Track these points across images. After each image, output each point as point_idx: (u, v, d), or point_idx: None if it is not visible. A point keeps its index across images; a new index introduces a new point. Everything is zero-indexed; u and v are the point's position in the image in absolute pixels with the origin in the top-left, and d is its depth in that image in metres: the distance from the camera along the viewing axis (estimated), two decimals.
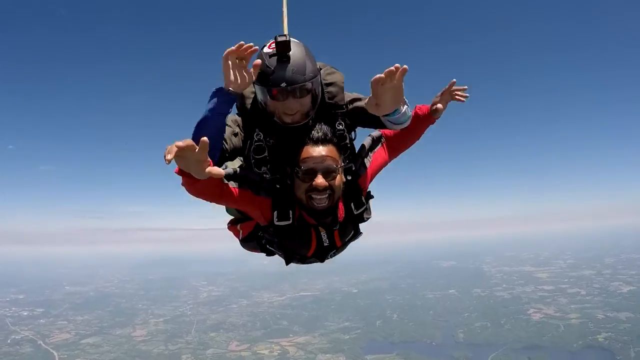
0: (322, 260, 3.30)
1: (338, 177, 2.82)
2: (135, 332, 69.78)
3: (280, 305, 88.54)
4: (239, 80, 2.61)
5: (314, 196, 2.75)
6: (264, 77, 2.68)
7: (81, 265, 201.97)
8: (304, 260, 3.29)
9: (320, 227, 3.02)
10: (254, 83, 2.76)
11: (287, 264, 3.39)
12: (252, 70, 2.62)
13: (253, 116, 3.02)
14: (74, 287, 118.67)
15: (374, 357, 53.09)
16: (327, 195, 2.76)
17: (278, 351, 57.83)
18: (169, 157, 2.10)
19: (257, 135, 2.96)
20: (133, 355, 57.99)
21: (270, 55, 2.67)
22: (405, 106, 2.74)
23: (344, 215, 3.07)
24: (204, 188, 2.62)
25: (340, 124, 3.03)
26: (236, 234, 3.57)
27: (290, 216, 2.93)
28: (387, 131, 3.24)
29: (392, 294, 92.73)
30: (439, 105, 3.27)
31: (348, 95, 3.12)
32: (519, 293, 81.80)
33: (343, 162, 2.97)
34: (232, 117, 3.08)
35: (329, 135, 2.83)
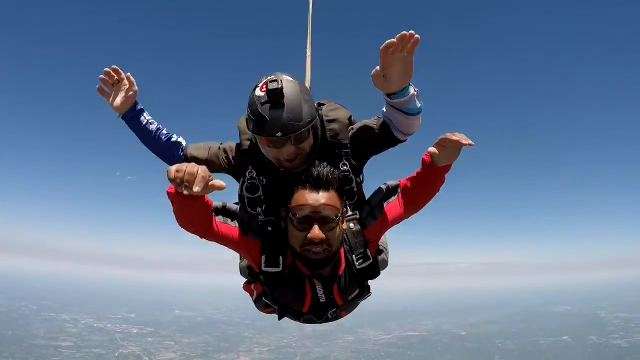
0: (320, 320, 2.85)
1: (338, 227, 2.47)
2: (239, 359, 72.34)
3: (386, 343, 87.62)
4: (119, 102, 2.86)
5: (308, 248, 2.41)
6: (258, 125, 2.49)
7: (191, 291, 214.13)
8: (299, 316, 2.87)
9: (315, 280, 2.64)
10: (248, 128, 2.65)
11: (279, 318, 3.00)
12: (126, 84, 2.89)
13: (249, 154, 2.84)
14: (183, 311, 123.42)
15: None
16: (323, 248, 2.40)
17: None
18: (197, 188, 2.02)
19: (249, 172, 2.76)
20: None
21: (263, 102, 2.45)
22: (414, 90, 2.51)
23: (344, 268, 2.68)
24: (196, 214, 2.41)
25: (344, 164, 2.76)
26: (251, 294, 3.36)
27: (280, 263, 2.57)
28: (403, 181, 2.84)
29: (501, 338, 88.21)
30: (431, 149, 2.75)
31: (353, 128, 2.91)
32: (638, 341, 74.74)
33: (347, 209, 2.68)
34: (230, 145, 3.01)
35: (330, 179, 2.47)
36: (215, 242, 2.67)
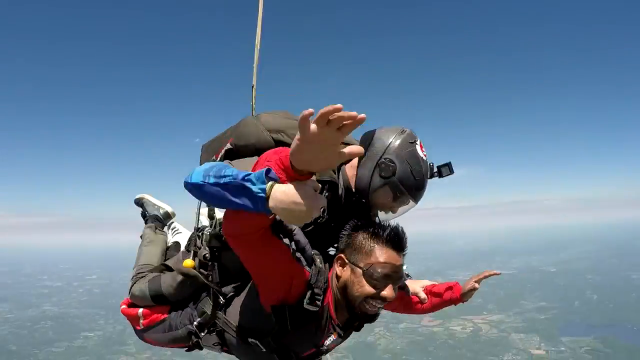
0: None
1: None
2: None
3: None
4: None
5: (373, 303, 2.22)
6: (407, 179, 2.42)
7: None
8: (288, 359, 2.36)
9: (337, 330, 2.41)
10: (383, 175, 2.43)
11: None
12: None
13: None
14: None
15: (570, 339, 51.50)
16: (382, 305, 2.26)
17: (471, 328, 58.23)
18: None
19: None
20: None
21: (433, 171, 2.56)
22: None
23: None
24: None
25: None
26: (135, 321, 2.86)
27: (320, 303, 2.22)
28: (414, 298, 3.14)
29: (592, 273, 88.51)
30: (475, 285, 2.97)
31: None
32: None
33: None
34: None
35: (406, 241, 2.35)
36: (261, 256, 2.11)
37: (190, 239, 2.87)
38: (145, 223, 3.73)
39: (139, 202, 3.96)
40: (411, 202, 2.58)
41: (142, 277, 3.01)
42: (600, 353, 47.07)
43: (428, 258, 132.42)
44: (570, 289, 76.77)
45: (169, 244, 3.51)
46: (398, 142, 2.47)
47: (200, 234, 2.70)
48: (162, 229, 3.70)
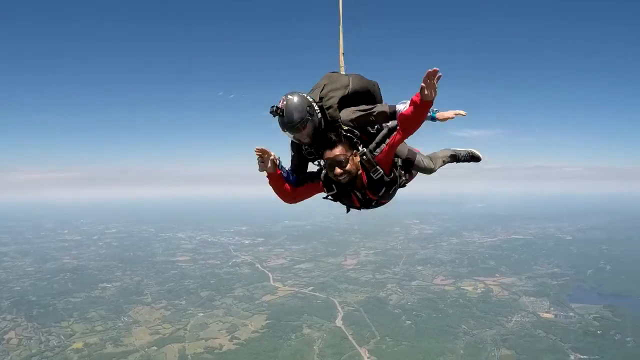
0: (368, 208, 4.65)
1: (350, 162, 4.11)
2: (346, 261, 76.94)
3: (490, 245, 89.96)
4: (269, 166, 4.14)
5: (338, 178, 4.14)
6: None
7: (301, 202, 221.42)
8: (358, 208, 4.63)
9: (354, 191, 4.37)
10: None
11: (347, 212, 4.77)
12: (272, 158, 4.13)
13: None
14: (292, 221, 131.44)
15: (579, 305, 52.27)
16: (345, 176, 4.12)
17: (482, 289, 59.66)
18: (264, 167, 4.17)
19: (305, 149, 4.42)
20: (341, 280, 64.50)
21: (270, 112, 4.09)
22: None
23: (367, 181, 4.29)
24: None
25: (341, 129, 4.31)
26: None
27: (333, 187, 4.33)
28: (399, 118, 4.16)
29: (608, 244, 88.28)
30: (422, 84, 3.67)
31: (356, 111, 4.44)
32: None
33: (356, 149, 4.25)
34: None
35: (335, 140, 4.14)
36: (311, 193, 4.59)
37: None
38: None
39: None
40: (284, 132, 4.18)
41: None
42: (608, 321, 47.54)
43: (445, 219, 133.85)
44: (585, 257, 77.13)
45: None
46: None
47: None
48: None
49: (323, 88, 4.45)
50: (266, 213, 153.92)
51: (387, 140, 4.23)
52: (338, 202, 4.54)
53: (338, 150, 4.11)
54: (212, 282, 65.49)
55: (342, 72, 4.97)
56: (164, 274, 70.22)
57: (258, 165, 4.12)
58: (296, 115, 4.05)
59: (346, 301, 55.26)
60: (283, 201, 4.56)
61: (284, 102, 4.08)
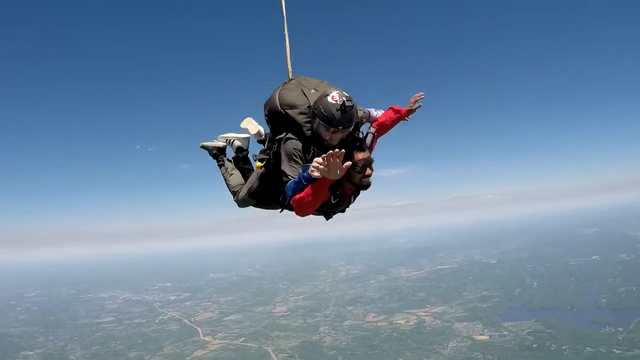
0: (344, 211, 4.54)
1: None
2: (275, 309, 74.64)
3: (417, 278, 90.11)
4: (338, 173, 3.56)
5: (366, 179, 4.05)
6: (329, 120, 3.87)
7: (224, 254, 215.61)
8: (342, 211, 4.50)
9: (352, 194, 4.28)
10: (319, 122, 3.97)
11: (327, 219, 4.55)
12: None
13: (311, 140, 4.17)
14: (218, 273, 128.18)
15: (512, 323, 52.48)
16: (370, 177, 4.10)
17: (414, 321, 58.99)
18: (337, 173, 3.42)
19: (313, 150, 4.11)
20: (272, 328, 62.56)
21: (337, 109, 3.82)
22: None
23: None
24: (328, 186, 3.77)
25: (359, 131, 4.38)
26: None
27: (338, 194, 4.16)
28: (375, 125, 4.71)
29: (532, 262, 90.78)
30: (413, 107, 4.89)
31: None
32: None
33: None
34: (294, 144, 4.19)
35: (366, 145, 4.22)
36: (321, 197, 4.01)
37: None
38: (216, 159, 6.02)
39: (204, 147, 6.15)
40: (340, 129, 3.97)
41: (239, 190, 5.36)
42: (542, 334, 47.89)
43: (371, 257, 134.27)
44: (511, 278, 78.45)
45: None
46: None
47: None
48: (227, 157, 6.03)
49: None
50: (189, 267, 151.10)
51: (371, 145, 4.52)
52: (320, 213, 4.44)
53: (367, 152, 4.17)
54: (139, 341, 61.57)
55: (290, 76, 4.89)
56: (89, 337, 65.88)
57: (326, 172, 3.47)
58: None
59: (280, 348, 53.59)
60: (306, 214, 4.23)
61: (349, 98, 3.94)
